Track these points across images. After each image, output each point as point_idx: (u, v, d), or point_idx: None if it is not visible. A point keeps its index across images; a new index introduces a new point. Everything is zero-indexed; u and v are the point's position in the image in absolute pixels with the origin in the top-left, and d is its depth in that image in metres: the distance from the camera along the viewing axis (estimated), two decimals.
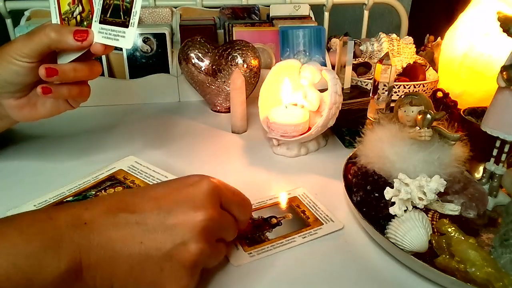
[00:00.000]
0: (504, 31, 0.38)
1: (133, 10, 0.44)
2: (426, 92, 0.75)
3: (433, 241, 0.35)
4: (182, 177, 0.33)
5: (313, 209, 0.43)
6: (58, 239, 0.25)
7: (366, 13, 1.07)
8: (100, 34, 0.44)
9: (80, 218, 0.27)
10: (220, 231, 0.32)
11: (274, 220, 0.41)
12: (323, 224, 0.41)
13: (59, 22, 0.47)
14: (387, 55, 0.56)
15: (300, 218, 0.42)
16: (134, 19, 0.44)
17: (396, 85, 0.74)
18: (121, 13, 0.44)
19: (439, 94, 0.64)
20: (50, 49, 0.43)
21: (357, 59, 0.90)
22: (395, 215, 0.37)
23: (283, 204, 0.44)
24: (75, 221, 0.27)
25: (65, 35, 0.42)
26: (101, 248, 0.27)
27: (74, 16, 0.46)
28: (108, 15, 0.44)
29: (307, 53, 0.87)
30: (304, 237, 0.39)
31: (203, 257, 0.29)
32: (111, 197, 0.30)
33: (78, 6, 0.46)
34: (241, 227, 0.35)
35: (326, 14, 1.03)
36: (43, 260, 0.24)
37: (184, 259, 0.28)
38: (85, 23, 0.46)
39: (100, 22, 0.44)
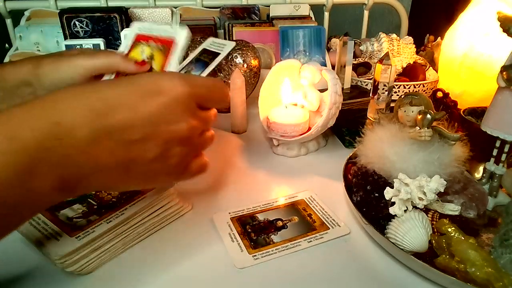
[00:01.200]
0: (504, 31, 0.38)
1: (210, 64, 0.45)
2: (426, 92, 0.75)
3: (433, 241, 0.35)
4: (153, 77, 0.31)
5: (319, 213, 0.43)
6: (31, 163, 0.23)
7: (366, 13, 1.07)
8: None
9: (52, 136, 0.24)
10: (204, 127, 0.33)
11: (279, 223, 0.41)
12: (329, 228, 0.41)
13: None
14: (387, 55, 0.56)
15: (306, 221, 0.42)
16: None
17: (396, 85, 0.74)
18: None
19: (439, 94, 0.64)
20: (108, 70, 0.45)
21: (357, 59, 0.90)
22: (395, 215, 0.37)
23: (289, 207, 0.44)
24: (45, 140, 0.24)
25: (130, 61, 0.45)
26: (84, 164, 0.26)
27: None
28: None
29: (307, 53, 0.87)
30: (310, 241, 0.39)
31: (186, 159, 0.32)
32: (81, 102, 0.27)
33: (150, 60, 0.47)
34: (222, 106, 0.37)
35: (326, 14, 1.03)
36: (28, 187, 0.24)
37: (170, 161, 0.30)
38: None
39: None
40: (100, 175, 0.27)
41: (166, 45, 0.46)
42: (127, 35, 0.49)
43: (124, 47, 0.48)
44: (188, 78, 0.31)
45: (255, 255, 0.37)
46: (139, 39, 0.48)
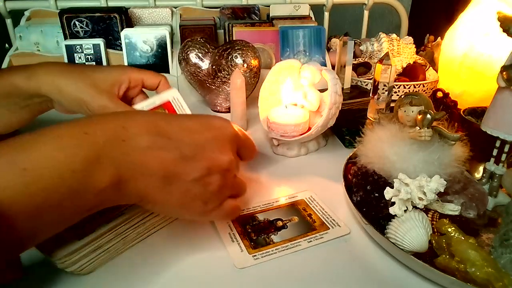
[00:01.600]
0: (504, 31, 0.38)
1: None
2: (426, 92, 0.75)
3: (433, 241, 0.35)
4: (209, 116, 0.37)
5: (319, 213, 0.43)
6: (97, 155, 0.27)
7: (366, 13, 1.07)
8: None
9: (118, 136, 0.29)
10: (237, 171, 0.37)
11: (279, 223, 0.41)
12: (329, 228, 0.40)
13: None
14: (387, 55, 0.56)
15: (306, 221, 0.42)
16: None
17: (396, 85, 0.74)
18: None
19: (439, 94, 0.64)
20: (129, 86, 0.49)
21: (357, 59, 0.90)
22: (395, 215, 0.37)
23: (289, 207, 0.44)
24: (112, 139, 0.29)
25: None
26: (140, 165, 0.29)
27: None
28: None
29: (307, 53, 0.87)
30: (310, 241, 0.39)
31: (223, 191, 0.34)
32: (148, 118, 0.32)
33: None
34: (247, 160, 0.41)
35: (326, 14, 1.03)
36: (87, 174, 0.27)
37: (209, 188, 0.33)
38: None
39: None
40: (147, 180, 0.30)
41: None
42: (161, 96, 0.49)
43: (149, 103, 0.49)
44: (233, 123, 0.38)
45: (255, 255, 0.37)
46: (165, 106, 0.50)
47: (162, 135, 0.31)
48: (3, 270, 0.25)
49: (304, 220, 0.42)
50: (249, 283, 0.34)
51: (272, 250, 0.37)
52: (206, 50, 0.69)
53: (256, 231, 0.40)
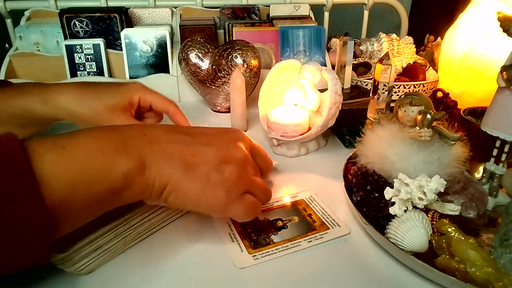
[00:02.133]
0: (504, 31, 0.38)
1: None
2: (426, 92, 0.75)
3: (433, 241, 0.35)
4: (221, 127, 0.40)
5: (319, 213, 0.43)
6: (124, 144, 0.31)
7: (366, 13, 1.07)
8: None
9: (141, 132, 0.33)
10: (254, 171, 0.39)
11: (279, 223, 0.41)
12: (329, 228, 0.40)
13: None
14: (387, 55, 0.56)
15: (306, 221, 0.42)
16: None
17: (396, 85, 0.74)
18: None
19: (439, 94, 0.64)
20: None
21: (357, 59, 0.90)
22: (395, 215, 0.37)
23: (290, 207, 0.44)
24: (136, 134, 0.33)
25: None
26: (161, 153, 0.32)
27: None
28: None
29: (307, 53, 0.87)
30: (310, 241, 0.39)
31: (242, 182, 0.35)
32: (165, 125, 0.36)
33: None
34: (264, 170, 0.44)
35: (326, 14, 1.03)
36: (116, 157, 0.30)
37: (227, 176, 0.34)
38: None
39: None
40: (169, 167, 0.32)
41: None
42: None
43: None
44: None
45: (255, 255, 0.37)
46: None
47: (180, 133, 0.35)
48: (34, 256, 0.26)
49: (304, 220, 0.42)
50: (249, 283, 0.34)
51: (272, 250, 0.37)
52: (206, 50, 0.69)
53: (256, 231, 0.40)
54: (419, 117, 0.39)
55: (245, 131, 0.64)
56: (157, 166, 0.32)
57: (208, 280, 0.34)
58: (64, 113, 0.49)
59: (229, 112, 0.68)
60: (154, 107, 0.54)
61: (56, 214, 0.26)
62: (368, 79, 0.80)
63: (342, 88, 0.57)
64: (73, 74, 0.79)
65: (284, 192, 0.47)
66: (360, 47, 0.90)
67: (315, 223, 0.41)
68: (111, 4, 0.92)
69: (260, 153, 0.43)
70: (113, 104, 0.50)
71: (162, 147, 0.33)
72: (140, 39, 0.78)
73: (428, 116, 0.38)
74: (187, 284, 0.34)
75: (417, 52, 0.90)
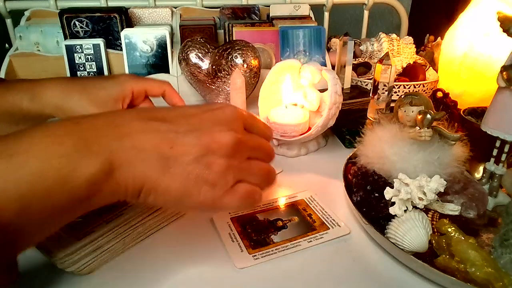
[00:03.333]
0: (504, 31, 0.38)
1: None
2: (426, 92, 0.75)
3: (433, 241, 0.35)
4: (207, 103, 0.35)
5: (319, 213, 0.43)
6: (88, 139, 0.26)
7: (366, 13, 1.07)
8: None
9: (111, 122, 0.28)
10: (249, 152, 0.32)
11: (280, 223, 0.41)
12: (329, 228, 0.41)
13: None
14: (387, 55, 0.56)
15: (306, 221, 0.42)
16: None
17: (396, 85, 0.74)
18: None
19: (439, 94, 0.64)
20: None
21: (357, 59, 0.90)
22: (395, 215, 0.37)
23: (289, 207, 0.44)
24: (105, 124, 0.28)
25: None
26: (133, 148, 0.28)
27: None
28: None
29: (307, 53, 0.87)
30: (310, 241, 0.39)
31: (233, 172, 0.30)
32: (140, 109, 0.32)
33: None
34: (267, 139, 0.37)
35: (326, 14, 1.03)
36: (76, 160, 0.25)
37: (213, 168, 0.29)
38: None
39: None
40: (143, 164, 0.28)
41: None
42: None
43: None
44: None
45: (255, 255, 0.37)
46: None
47: (156, 119, 0.30)
48: None
49: (304, 220, 0.42)
50: (249, 283, 0.34)
51: (272, 250, 0.37)
52: (206, 50, 0.69)
53: (256, 231, 0.40)
54: (419, 117, 0.39)
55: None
56: (128, 165, 0.27)
57: (208, 280, 0.34)
58: (51, 108, 0.46)
59: None
60: (150, 93, 0.51)
61: (10, 232, 0.23)
62: (368, 79, 0.80)
63: (342, 88, 0.57)
64: (73, 74, 0.79)
65: (284, 192, 0.47)
66: (360, 47, 0.90)
67: (315, 223, 0.41)
68: (111, 4, 0.92)
69: (255, 126, 0.35)
70: (102, 98, 0.47)
71: (134, 141, 0.28)
72: (140, 39, 0.78)
73: (428, 116, 0.38)
74: (187, 284, 0.34)
75: (417, 52, 0.90)
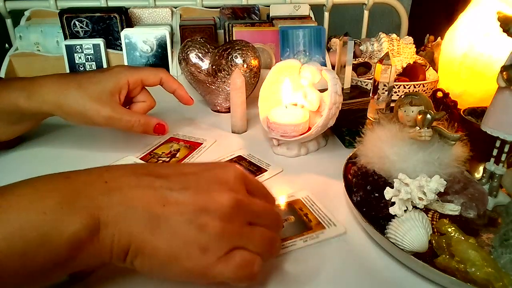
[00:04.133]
0: (504, 31, 0.38)
1: None
2: (426, 92, 0.75)
3: (433, 241, 0.35)
4: (210, 162, 0.33)
5: (316, 212, 0.43)
6: (74, 195, 0.25)
7: (366, 13, 1.07)
8: None
9: (101, 177, 0.27)
10: (251, 216, 0.30)
11: None
12: (325, 228, 0.40)
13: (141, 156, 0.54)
14: (387, 55, 0.56)
15: (302, 221, 0.42)
16: None
17: (396, 85, 0.74)
18: None
19: (439, 94, 0.64)
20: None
21: (357, 59, 0.90)
22: (395, 215, 0.37)
23: (286, 207, 0.44)
24: (94, 179, 0.26)
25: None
26: (121, 205, 0.26)
27: (157, 158, 0.54)
28: None
29: (307, 53, 0.87)
30: (305, 241, 0.39)
31: (225, 236, 0.27)
32: (137, 164, 0.30)
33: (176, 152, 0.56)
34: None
35: (326, 14, 1.03)
36: (58, 216, 0.24)
37: (206, 230, 0.26)
38: None
39: None
40: (131, 224, 0.26)
41: (193, 146, 0.58)
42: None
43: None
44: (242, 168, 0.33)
45: None
46: (171, 140, 0.60)
47: (150, 175, 0.28)
48: None
49: (300, 220, 0.42)
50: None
51: None
52: (206, 50, 0.69)
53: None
54: (419, 117, 0.39)
55: (245, 131, 0.64)
56: (116, 226, 0.25)
57: None
58: (48, 106, 0.47)
59: (229, 112, 0.68)
60: (146, 83, 0.51)
61: None
62: (368, 79, 0.80)
63: (342, 88, 0.57)
64: None
65: (282, 192, 0.47)
66: (360, 47, 0.90)
67: (311, 222, 0.41)
68: (111, 4, 0.92)
69: (259, 191, 0.33)
70: (98, 93, 0.47)
71: (123, 197, 0.26)
72: (140, 39, 0.79)
73: (428, 116, 0.38)
74: (187, 284, 0.34)
75: (417, 52, 0.91)
